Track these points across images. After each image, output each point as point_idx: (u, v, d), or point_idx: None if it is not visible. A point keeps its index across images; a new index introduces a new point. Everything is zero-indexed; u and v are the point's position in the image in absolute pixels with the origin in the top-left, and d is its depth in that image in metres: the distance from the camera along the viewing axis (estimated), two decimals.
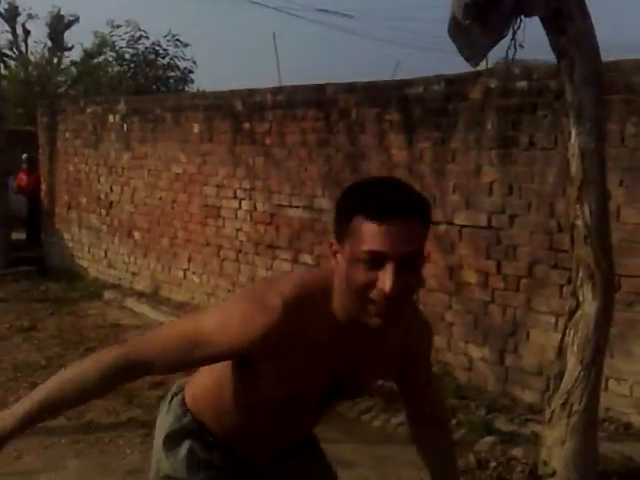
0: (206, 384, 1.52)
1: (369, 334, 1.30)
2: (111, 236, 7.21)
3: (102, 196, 7.25)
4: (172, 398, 1.57)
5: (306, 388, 1.37)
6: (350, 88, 4.55)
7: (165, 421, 1.56)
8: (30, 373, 4.39)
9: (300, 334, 1.28)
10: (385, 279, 1.17)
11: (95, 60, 14.97)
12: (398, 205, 1.20)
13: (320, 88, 4.75)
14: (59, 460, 3.25)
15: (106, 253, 7.32)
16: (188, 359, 1.29)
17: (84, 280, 7.34)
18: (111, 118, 6.96)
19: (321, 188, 4.82)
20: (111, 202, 7.14)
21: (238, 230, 5.62)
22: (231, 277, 5.74)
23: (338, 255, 1.24)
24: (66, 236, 7.95)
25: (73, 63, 15.35)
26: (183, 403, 1.54)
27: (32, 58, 15.39)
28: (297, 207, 4.99)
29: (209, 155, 5.78)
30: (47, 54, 15.51)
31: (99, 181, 7.27)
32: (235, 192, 5.58)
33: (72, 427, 3.58)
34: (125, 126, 6.77)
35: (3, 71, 13.41)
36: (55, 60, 16.23)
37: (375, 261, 1.18)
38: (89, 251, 7.59)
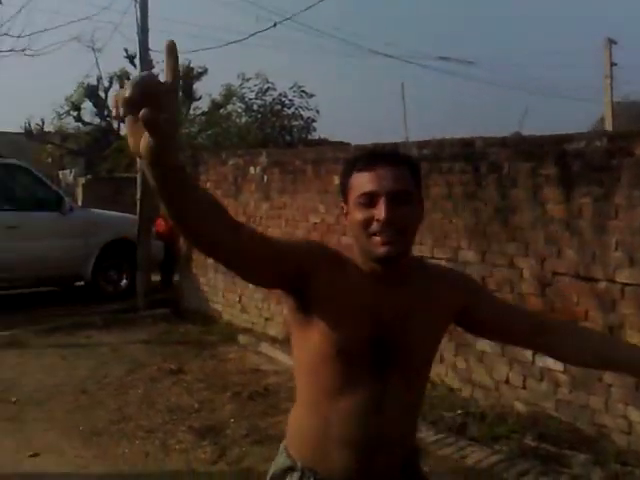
0: (291, 414, 1.63)
1: (395, 283, 1.50)
2: (246, 282, 7.46)
3: None
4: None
5: (355, 338, 1.47)
6: (502, 142, 4.53)
7: (271, 467, 1.64)
8: (185, 416, 4.58)
9: (341, 271, 1.49)
10: (379, 210, 1.43)
11: (222, 110, 15.80)
12: (384, 155, 1.52)
13: (468, 142, 4.76)
14: None
15: (240, 298, 7.57)
16: (267, 241, 1.44)
17: (218, 324, 7.60)
18: (252, 170, 7.28)
19: (467, 240, 4.79)
20: None
21: None
22: None
23: (347, 213, 1.52)
24: (202, 280, 8.30)
25: (202, 113, 16.25)
26: (283, 445, 1.63)
27: None
28: (440, 259, 4.97)
29: None
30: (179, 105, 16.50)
31: None
32: None
33: (234, 473, 3.69)
34: (265, 177, 7.06)
35: None
36: (184, 110, 17.22)
37: (370, 201, 1.45)
38: (223, 295, 7.88)
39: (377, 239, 1.44)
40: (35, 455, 3.97)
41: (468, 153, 4.73)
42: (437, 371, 4.56)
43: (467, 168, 4.74)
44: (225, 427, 4.37)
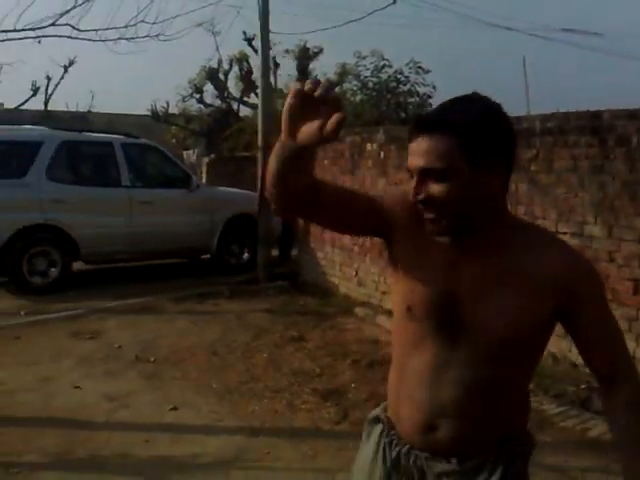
0: None
1: (471, 253, 1.41)
2: (362, 256, 7.63)
3: None
4: None
5: (422, 298, 1.44)
6: (630, 114, 4.38)
7: None
8: (308, 380, 4.83)
9: (420, 225, 1.40)
10: (414, 187, 1.35)
11: (337, 89, 15.97)
12: (423, 122, 1.35)
13: (595, 114, 4.63)
14: (350, 463, 3.53)
15: (357, 272, 7.75)
16: (351, 192, 1.49)
17: (335, 296, 7.83)
18: (369, 146, 7.40)
19: (593, 215, 4.68)
20: None
21: None
22: None
23: None
24: (319, 254, 8.56)
25: None
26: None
27: (284, 90, 16.86)
28: (565, 233, 4.89)
29: None
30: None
31: None
32: None
33: (358, 434, 3.86)
34: (382, 154, 7.16)
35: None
36: None
37: (411, 175, 1.37)
38: (340, 269, 8.10)
39: (424, 216, 1.38)
40: (174, 409, 4.35)
41: (595, 126, 4.60)
42: (560, 346, 4.52)
43: (593, 141, 4.62)
44: (347, 391, 4.59)
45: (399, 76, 13.67)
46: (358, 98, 14.22)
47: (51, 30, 5.62)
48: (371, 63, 13.70)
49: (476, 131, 1.31)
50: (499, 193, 1.40)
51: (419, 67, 13.56)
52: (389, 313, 6.90)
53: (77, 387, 4.73)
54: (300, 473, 3.45)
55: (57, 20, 5.54)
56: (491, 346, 1.41)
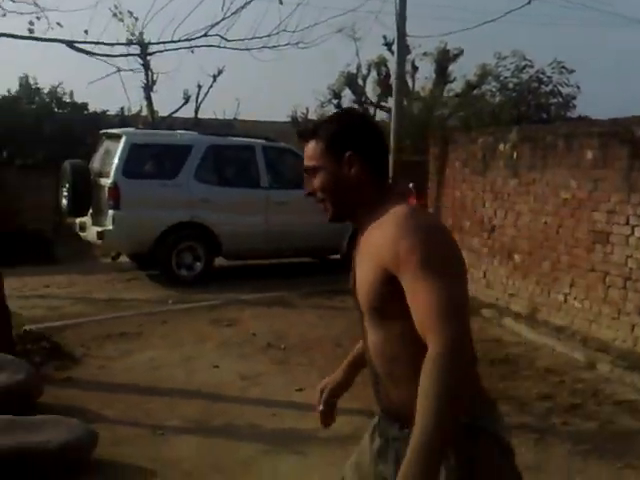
0: None
1: (360, 236, 1.68)
2: (491, 258, 7.60)
3: (485, 220, 7.69)
4: None
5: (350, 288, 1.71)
6: None
7: None
8: None
9: None
10: None
11: (476, 91, 15.79)
12: (301, 133, 1.80)
13: None
14: None
15: (485, 274, 7.73)
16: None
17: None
18: (501, 147, 7.37)
19: None
20: (494, 226, 7.53)
21: (628, 257, 5.47)
22: (617, 304, 5.60)
23: None
24: None
25: (455, 95, 16.37)
26: None
27: (421, 93, 16.93)
28: None
29: (601, 181, 5.75)
30: (432, 88, 16.88)
31: (484, 206, 7.73)
32: (628, 218, 5.46)
33: None
34: (515, 154, 7.11)
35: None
36: (437, 93, 17.50)
37: None
38: (468, 271, 8.08)
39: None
40: (300, 390, 4.68)
41: None
42: None
43: None
44: None
45: (541, 76, 13.33)
46: (497, 99, 14.03)
47: (202, 41, 6.16)
48: (511, 63, 13.49)
49: (335, 136, 1.67)
50: (366, 182, 1.67)
51: (562, 67, 13.14)
52: (516, 315, 6.85)
53: (215, 366, 5.22)
54: None
55: (208, 31, 6.06)
56: (366, 313, 1.63)
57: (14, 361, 4.23)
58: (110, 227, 8.18)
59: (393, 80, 10.79)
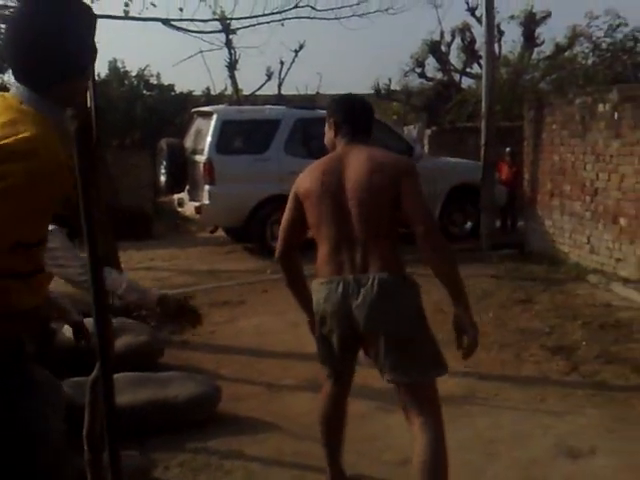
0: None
1: None
2: (595, 222, 7.33)
3: (587, 183, 7.41)
4: None
5: None
6: None
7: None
8: (536, 337, 4.89)
9: None
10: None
11: (567, 53, 15.18)
12: None
13: None
14: (578, 407, 3.63)
15: (589, 239, 7.47)
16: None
17: (565, 264, 7.62)
18: (601, 107, 7.07)
19: None
20: (596, 189, 7.26)
21: None
22: None
23: None
24: (547, 222, 8.37)
25: (544, 58, 15.80)
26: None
27: (510, 57, 16.41)
28: None
29: None
30: (520, 52, 16.32)
31: (584, 169, 7.46)
32: None
33: (587, 384, 3.91)
34: (616, 114, 6.80)
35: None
36: (525, 57, 16.92)
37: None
38: (570, 237, 7.85)
39: None
40: None
41: None
42: None
43: None
44: (576, 348, 4.58)
45: (637, 34, 12.66)
46: (590, 61, 13.45)
47: (293, 13, 6.21)
48: (604, 23, 12.88)
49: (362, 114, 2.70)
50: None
51: None
52: (625, 281, 6.59)
53: None
54: (529, 413, 3.60)
55: (299, 2, 6.09)
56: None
57: (135, 325, 4.45)
58: (206, 202, 8.42)
59: (481, 44, 10.50)
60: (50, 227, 2.05)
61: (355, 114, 2.61)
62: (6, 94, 1.57)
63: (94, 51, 1.64)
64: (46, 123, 1.48)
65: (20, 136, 1.40)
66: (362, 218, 2.42)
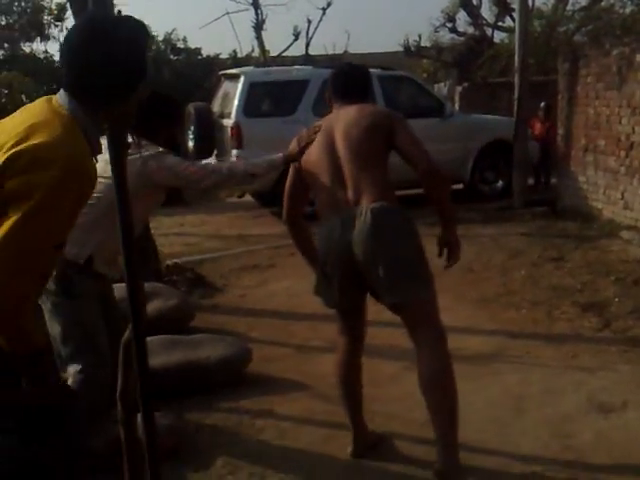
0: None
1: None
2: (629, 178, 7.14)
3: (622, 138, 7.21)
4: None
5: None
6: None
7: None
8: (568, 294, 4.84)
9: None
10: None
11: (602, 3, 14.62)
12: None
13: None
14: (610, 363, 3.61)
15: (623, 195, 7.30)
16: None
17: (598, 221, 7.47)
18: (638, 57, 6.82)
19: None
20: (632, 143, 7.05)
21: None
22: None
23: None
24: (580, 178, 8.19)
25: (580, 9, 15.26)
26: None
27: (544, 9, 15.91)
28: None
29: None
30: (554, 3, 15.78)
31: (620, 123, 7.24)
32: None
33: (620, 340, 3.88)
34: None
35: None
36: (560, 8, 16.37)
37: None
38: (604, 193, 7.68)
39: None
40: None
41: None
42: None
43: None
44: (609, 304, 4.52)
45: None
46: (628, 10, 12.95)
47: None
48: None
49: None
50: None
51: None
52: None
53: None
54: (560, 369, 3.58)
55: None
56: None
57: (166, 289, 4.52)
58: None
59: None
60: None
61: (347, 83, 2.77)
62: (53, 98, 1.62)
63: (143, 74, 1.65)
64: (74, 125, 1.54)
65: (42, 141, 1.46)
66: (351, 152, 2.55)
